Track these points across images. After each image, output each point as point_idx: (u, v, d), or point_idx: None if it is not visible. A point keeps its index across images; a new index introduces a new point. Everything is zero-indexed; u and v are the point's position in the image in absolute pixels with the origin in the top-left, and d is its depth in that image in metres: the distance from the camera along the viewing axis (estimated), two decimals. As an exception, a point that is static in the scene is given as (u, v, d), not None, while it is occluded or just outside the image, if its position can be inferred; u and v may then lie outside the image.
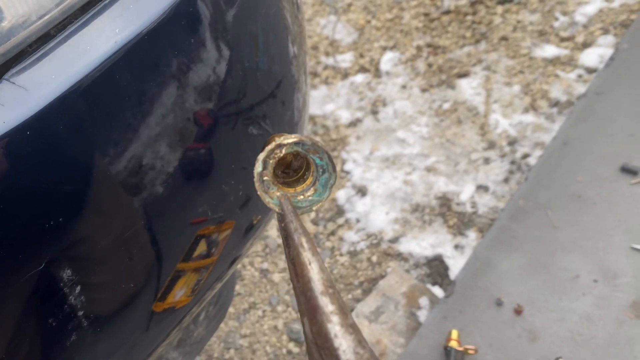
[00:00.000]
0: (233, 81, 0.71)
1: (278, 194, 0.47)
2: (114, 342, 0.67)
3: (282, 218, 0.46)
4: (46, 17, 0.48)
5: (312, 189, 0.49)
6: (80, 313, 0.60)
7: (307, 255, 0.38)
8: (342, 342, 0.31)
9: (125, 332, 0.68)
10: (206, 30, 0.60)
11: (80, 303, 0.60)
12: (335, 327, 0.32)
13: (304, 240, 0.39)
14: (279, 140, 0.45)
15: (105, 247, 0.59)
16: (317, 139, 2.27)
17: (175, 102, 0.60)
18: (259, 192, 0.47)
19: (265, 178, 0.46)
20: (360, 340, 0.31)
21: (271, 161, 0.46)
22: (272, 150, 0.45)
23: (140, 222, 0.63)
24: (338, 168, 2.16)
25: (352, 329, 0.32)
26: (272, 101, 0.83)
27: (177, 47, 0.55)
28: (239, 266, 1.97)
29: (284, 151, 0.45)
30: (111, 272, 0.63)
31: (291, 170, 0.51)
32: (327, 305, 0.33)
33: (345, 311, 0.33)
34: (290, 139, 0.45)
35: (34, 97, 0.45)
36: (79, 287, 0.58)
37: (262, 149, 0.47)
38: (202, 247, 0.78)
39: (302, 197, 0.48)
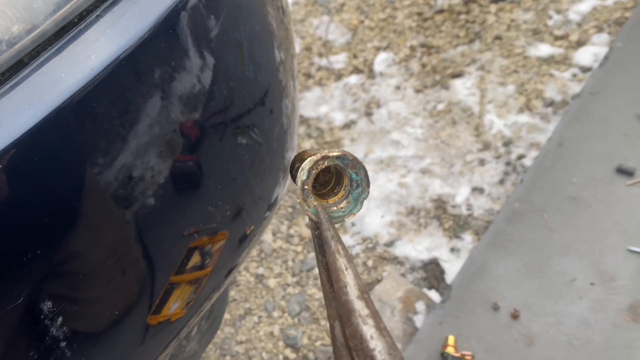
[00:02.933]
0: (219, 94, 0.70)
1: (315, 203, 0.50)
2: (109, 356, 0.67)
3: (317, 226, 0.49)
4: (18, 45, 0.46)
5: (345, 201, 0.52)
6: (73, 328, 0.60)
7: (343, 261, 0.40)
8: (378, 343, 0.33)
9: (120, 346, 0.68)
10: (189, 51, 0.58)
11: (73, 318, 0.59)
12: (371, 329, 0.34)
13: (340, 248, 0.42)
14: (325, 152, 0.49)
15: (97, 263, 0.59)
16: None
17: (159, 124, 0.58)
18: (300, 200, 0.49)
19: (306, 187, 0.49)
20: (392, 343, 0.34)
21: (314, 171, 0.49)
22: (317, 161, 0.48)
23: (129, 237, 0.63)
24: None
25: (385, 332, 0.34)
26: (260, 110, 0.82)
27: (157, 70, 0.53)
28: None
29: (326, 163, 0.49)
30: (103, 287, 0.63)
31: (317, 184, 0.54)
32: (363, 308, 0.36)
33: (378, 315, 0.36)
34: (335, 152, 0.49)
35: (6, 129, 0.44)
36: (71, 302, 0.57)
37: (300, 160, 0.50)
38: (195, 259, 0.78)
39: (335, 208, 0.51)
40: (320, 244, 0.45)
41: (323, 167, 0.49)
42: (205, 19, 0.60)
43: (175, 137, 0.65)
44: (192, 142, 0.69)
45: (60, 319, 0.56)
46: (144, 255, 0.67)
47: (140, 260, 0.66)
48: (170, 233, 0.70)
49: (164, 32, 0.53)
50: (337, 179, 0.53)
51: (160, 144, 0.61)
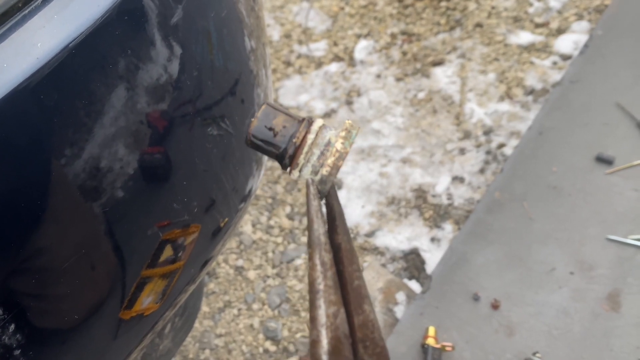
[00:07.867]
0: (186, 83, 0.67)
1: None
2: (83, 352, 0.66)
3: (322, 198, 0.48)
4: (-45, 32, 0.42)
5: None
6: (41, 326, 0.58)
7: (352, 243, 0.37)
8: (383, 335, 0.29)
9: (93, 342, 0.66)
10: (148, 37, 0.54)
11: (40, 316, 0.57)
12: (378, 319, 0.30)
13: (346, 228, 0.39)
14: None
15: (64, 258, 0.57)
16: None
17: (119, 118, 0.55)
18: (339, 165, 0.50)
19: None
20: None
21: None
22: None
23: (98, 231, 0.61)
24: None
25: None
26: (230, 100, 0.80)
27: (113, 59, 0.50)
28: (213, 265, 1.92)
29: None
30: (72, 283, 0.61)
31: None
32: (369, 296, 0.32)
33: None
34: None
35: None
36: (37, 300, 0.56)
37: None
38: (167, 253, 0.76)
39: None
40: (331, 219, 0.40)
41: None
42: (167, 2, 0.57)
43: (140, 130, 0.62)
44: (159, 134, 0.66)
45: (24, 318, 0.54)
46: (114, 249, 0.65)
47: (110, 254, 0.65)
48: (140, 227, 0.68)
49: (120, 18, 0.49)
50: None
51: (122, 137, 0.58)
